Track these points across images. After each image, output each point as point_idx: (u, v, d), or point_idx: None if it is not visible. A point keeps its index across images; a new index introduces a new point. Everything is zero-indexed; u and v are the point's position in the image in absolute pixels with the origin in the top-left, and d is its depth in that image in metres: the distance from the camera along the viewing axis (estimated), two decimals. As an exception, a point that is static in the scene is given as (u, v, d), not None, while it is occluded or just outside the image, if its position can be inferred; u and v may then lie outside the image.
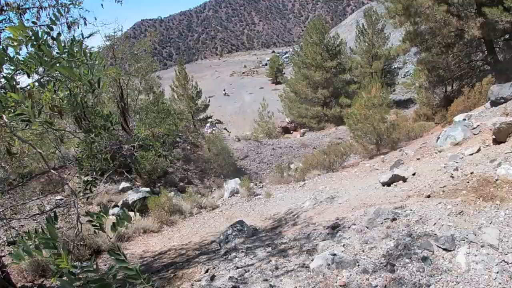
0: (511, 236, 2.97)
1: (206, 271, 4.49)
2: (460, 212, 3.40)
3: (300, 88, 24.86)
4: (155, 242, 7.54)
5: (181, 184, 12.98)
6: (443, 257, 2.92)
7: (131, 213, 9.22)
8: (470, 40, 12.98)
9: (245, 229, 6.10)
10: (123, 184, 11.17)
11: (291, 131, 27.53)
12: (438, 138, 7.95)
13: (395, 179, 5.88)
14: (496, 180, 3.67)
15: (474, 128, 6.47)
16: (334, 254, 3.43)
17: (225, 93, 36.70)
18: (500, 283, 2.63)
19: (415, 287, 2.67)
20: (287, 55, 43.47)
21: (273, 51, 49.39)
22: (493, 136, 5.01)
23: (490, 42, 13.02)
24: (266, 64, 40.52)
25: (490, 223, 3.14)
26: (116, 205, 9.80)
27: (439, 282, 2.70)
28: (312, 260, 3.62)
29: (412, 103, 21.99)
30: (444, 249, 2.99)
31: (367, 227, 3.95)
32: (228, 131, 21.32)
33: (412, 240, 3.20)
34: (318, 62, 23.79)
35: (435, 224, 3.37)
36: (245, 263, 4.41)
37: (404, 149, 10.58)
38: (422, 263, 2.89)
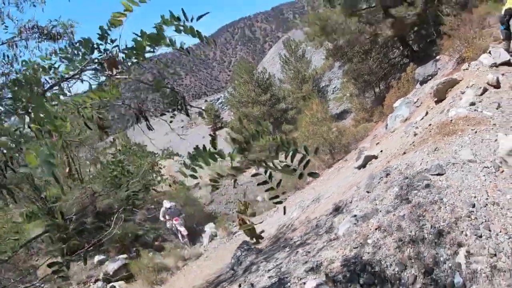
0: (480, 150, 3.82)
1: (239, 286, 4.44)
2: (436, 149, 4.22)
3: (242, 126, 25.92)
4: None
5: (156, 243, 12.74)
6: (440, 180, 3.64)
7: (116, 284, 8.99)
8: (384, 41, 15.01)
9: (252, 247, 6.32)
10: (97, 258, 10.79)
11: (244, 170, 28.06)
12: (387, 125, 9.11)
13: (367, 160, 6.69)
14: (451, 120, 4.62)
15: (415, 103, 7.67)
16: (355, 215, 3.97)
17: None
18: (490, 182, 3.40)
19: (433, 203, 3.30)
20: (220, 100, 45.12)
21: (206, 100, 50.74)
22: (435, 99, 6.13)
23: (403, 38, 15.17)
24: (202, 113, 41.28)
25: (462, 147, 3.98)
26: (97, 279, 9.42)
27: (447, 195, 3.39)
28: (337, 230, 4.06)
29: (348, 113, 24.05)
30: (437, 174, 3.72)
31: (368, 192, 4.58)
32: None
33: (411, 180, 3.89)
34: (254, 98, 25.27)
35: (421, 163, 4.13)
36: (273, 265, 4.46)
37: (359, 147, 11.69)
38: (428, 189, 3.57)
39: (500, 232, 2.95)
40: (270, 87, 26.81)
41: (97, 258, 10.50)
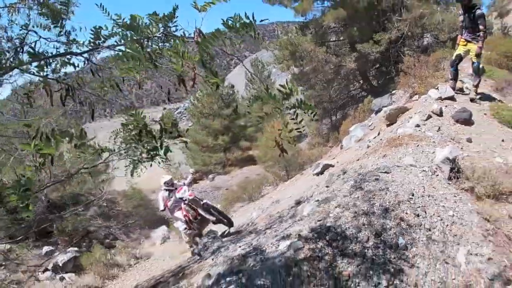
0: (420, 158, 4.86)
1: (212, 259, 4.65)
2: (384, 155, 5.23)
3: (201, 137, 26.34)
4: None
5: (107, 241, 12.72)
6: (387, 176, 4.58)
7: (66, 275, 9.03)
8: (347, 73, 16.53)
9: (219, 235, 6.63)
10: (46, 248, 10.65)
11: (197, 181, 28.24)
12: (342, 145, 10.18)
13: (325, 168, 7.58)
14: (399, 136, 5.66)
15: (369, 126, 8.81)
16: (317, 200, 4.73)
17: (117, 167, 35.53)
18: (427, 181, 4.37)
19: (381, 190, 4.18)
20: (179, 110, 45.16)
21: (164, 108, 50.38)
22: (387, 122, 7.25)
23: (364, 72, 16.81)
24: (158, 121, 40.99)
25: (405, 155, 4.99)
26: (46, 269, 9.35)
27: (392, 186, 4.33)
28: (302, 213, 4.76)
29: (304, 137, 25.43)
30: (384, 172, 4.66)
31: (327, 186, 5.40)
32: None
33: (363, 176, 4.80)
34: (215, 111, 25.89)
35: (372, 165, 5.08)
36: (244, 243, 4.77)
37: (315, 163, 12.66)
38: (377, 181, 4.48)
39: (434, 215, 3.89)
40: (233, 102, 27.62)
41: (45, 248, 10.38)
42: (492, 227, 3.77)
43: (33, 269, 8.82)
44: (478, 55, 6.49)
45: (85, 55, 2.57)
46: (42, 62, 2.51)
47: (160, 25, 2.30)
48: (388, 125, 7.37)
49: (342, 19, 15.00)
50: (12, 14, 3.16)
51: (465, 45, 6.67)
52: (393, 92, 10.76)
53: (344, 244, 3.56)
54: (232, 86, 27.75)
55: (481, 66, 6.98)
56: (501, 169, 4.66)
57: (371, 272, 3.27)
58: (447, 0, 14.34)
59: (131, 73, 2.32)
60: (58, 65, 2.65)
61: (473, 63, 6.65)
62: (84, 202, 11.65)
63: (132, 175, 2.98)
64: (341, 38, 16.59)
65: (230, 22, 2.13)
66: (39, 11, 2.85)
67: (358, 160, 5.95)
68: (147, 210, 14.88)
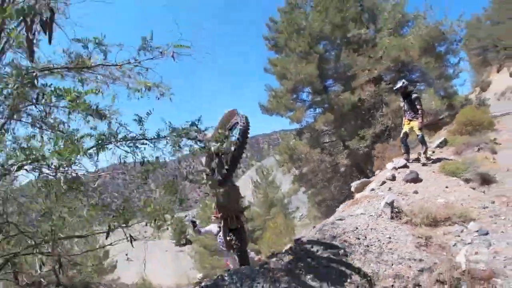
0: (369, 208, 6.31)
1: None
2: (343, 211, 6.51)
3: (210, 241, 27.04)
4: None
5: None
6: (340, 222, 5.87)
7: None
8: (345, 170, 18.11)
9: None
10: None
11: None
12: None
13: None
14: (357, 198, 7.20)
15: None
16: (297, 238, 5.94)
17: (128, 258, 35.76)
18: (372, 221, 5.76)
19: (333, 228, 5.48)
20: (187, 217, 46.18)
21: (173, 216, 51.22)
22: (356, 193, 8.65)
23: (358, 165, 18.35)
24: (167, 229, 42.01)
25: (358, 208, 6.37)
26: None
27: (341, 225, 5.58)
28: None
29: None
30: (339, 219, 5.95)
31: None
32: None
33: (324, 225, 6.06)
34: (223, 216, 27.08)
35: (332, 218, 6.35)
36: None
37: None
38: (332, 225, 5.74)
39: (372, 238, 5.14)
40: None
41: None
42: (424, 241, 4.95)
43: None
44: (420, 129, 8.25)
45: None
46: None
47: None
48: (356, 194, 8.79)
49: (331, 122, 17.21)
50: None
51: (409, 123, 8.47)
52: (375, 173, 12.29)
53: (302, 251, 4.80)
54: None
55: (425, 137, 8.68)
56: (442, 206, 5.93)
57: (317, 266, 4.44)
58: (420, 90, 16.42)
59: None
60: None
61: (417, 135, 8.35)
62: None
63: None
64: (333, 139, 18.69)
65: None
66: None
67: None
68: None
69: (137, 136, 3.30)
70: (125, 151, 3.47)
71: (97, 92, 3.00)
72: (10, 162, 2.32)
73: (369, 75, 14.98)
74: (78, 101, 2.67)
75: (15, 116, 3.52)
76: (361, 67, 15.17)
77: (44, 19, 2.74)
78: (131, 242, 3.72)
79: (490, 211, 5.66)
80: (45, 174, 2.56)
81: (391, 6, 15.44)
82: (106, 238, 3.70)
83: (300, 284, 4.10)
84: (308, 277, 4.24)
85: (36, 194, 3.44)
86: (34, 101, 2.84)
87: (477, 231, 5.06)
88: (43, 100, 2.79)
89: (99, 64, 3.58)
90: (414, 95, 8.39)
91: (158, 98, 3.81)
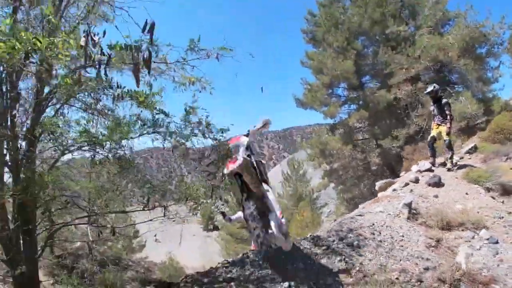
0: (388, 207, 6.40)
1: None
2: (364, 207, 6.76)
3: (236, 229, 27.83)
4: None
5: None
6: (359, 218, 6.12)
7: None
8: (376, 169, 18.03)
9: None
10: None
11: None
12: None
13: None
14: (378, 197, 7.29)
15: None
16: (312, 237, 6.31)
17: (156, 239, 37.39)
18: (390, 220, 5.96)
19: (351, 222, 5.76)
20: (216, 204, 47.30)
21: (202, 201, 52.61)
22: (380, 191, 8.82)
23: (389, 165, 18.18)
24: (196, 214, 43.33)
25: (378, 206, 6.57)
26: None
27: (359, 221, 5.85)
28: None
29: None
30: (359, 215, 6.21)
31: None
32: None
33: (344, 219, 6.36)
34: (248, 207, 27.69)
35: (353, 214, 6.62)
36: None
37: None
38: (351, 219, 6.02)
39: (386, 235, 5.40)
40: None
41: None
42: (435, 243, 5.17)
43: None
44: (448, 134, 8.28)
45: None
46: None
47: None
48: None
49: (365, 119, 17.16)
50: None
51: (437, 128, 8.49)
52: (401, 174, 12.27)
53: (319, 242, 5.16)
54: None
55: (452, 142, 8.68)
56: (458, 211, 6.08)
57: (331, 254, 4.79)
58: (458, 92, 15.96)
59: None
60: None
61: (444, 140, 8.37)
62: (124, 264, 13.26)
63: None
64: (366, 137, 18.60)
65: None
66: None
67: (350, 214, 7.54)
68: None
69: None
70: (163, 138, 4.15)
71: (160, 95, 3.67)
72: (69, 142, 2.86)
73: (407, 73, 14.75)
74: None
75: (70, 102, 4.13)
76: (399, 65, 14.96)
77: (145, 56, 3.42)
78: (163, 215, 4.27)
79: (504, 221, 5.80)
80: (100, 154, 3.11)
81: (432, 3, 15.05)
82: (143, 208, 4.26)
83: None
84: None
85: (89, 173, 4.07)
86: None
87: (488, 239, 5.23)
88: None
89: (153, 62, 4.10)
90: (443, 100, 8.42)
91: (200, 91, 4.37)
